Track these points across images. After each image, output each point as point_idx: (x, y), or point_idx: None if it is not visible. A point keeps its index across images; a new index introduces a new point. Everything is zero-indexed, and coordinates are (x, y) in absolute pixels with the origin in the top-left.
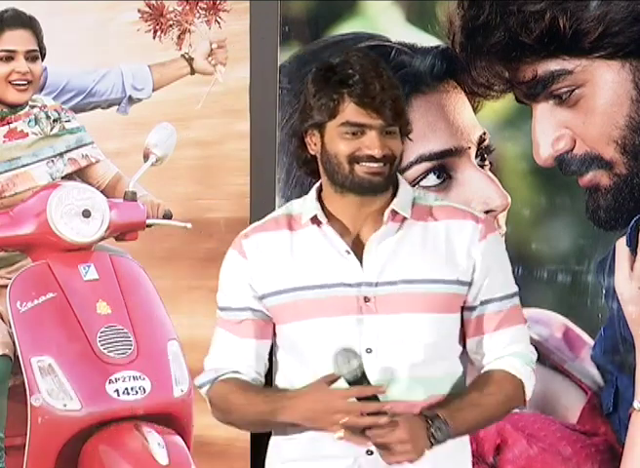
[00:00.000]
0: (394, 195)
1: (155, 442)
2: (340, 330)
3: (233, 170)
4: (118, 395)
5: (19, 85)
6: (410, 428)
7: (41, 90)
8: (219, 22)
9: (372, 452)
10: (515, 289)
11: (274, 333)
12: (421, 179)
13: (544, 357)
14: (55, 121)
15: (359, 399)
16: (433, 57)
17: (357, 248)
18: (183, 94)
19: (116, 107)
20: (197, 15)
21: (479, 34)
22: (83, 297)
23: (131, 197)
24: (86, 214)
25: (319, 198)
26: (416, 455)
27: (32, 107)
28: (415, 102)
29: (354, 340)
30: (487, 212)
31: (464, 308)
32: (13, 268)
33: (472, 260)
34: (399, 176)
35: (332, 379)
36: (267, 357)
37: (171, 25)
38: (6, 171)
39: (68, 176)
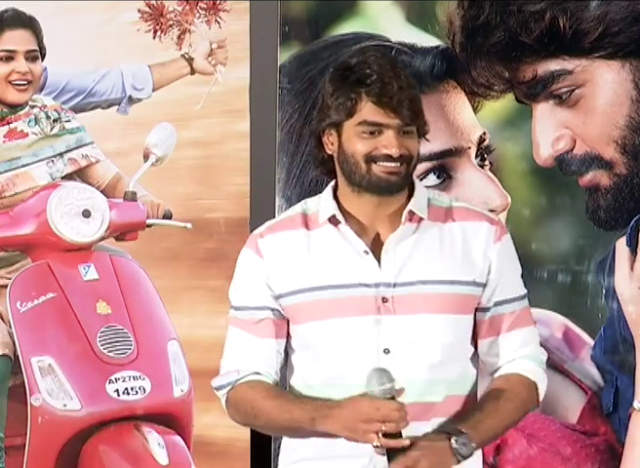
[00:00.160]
0: (410, 195)
1: (155, 442)
2: (357, 330)
3: (233, 170)
4: (118, 395)
5: (19, 85)
6: (433, 454)
7: (41, 90)
8: (219, 22)
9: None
10: (525, 290)
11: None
12: (421, 179)
13: None
14: (55, 121)
15: None
16: (433, 57)
17: (375, 248)
18: (183, 94)
19: (116, 107)
20: (197, 15)
21: (479, 34)
22: (83, 297)
23: (131, 197)
24: (86, 214)
25: (335, 197)
26: None
27: (32, 107)
28: None
29: (372, 341)
30: None
31: (478, 309)
32: (13, 268)
33: (488, 262)
34: (414, 177)
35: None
36: (284, 356)
37: (171, 25)
38: (6, 171)
39: (68, 176)
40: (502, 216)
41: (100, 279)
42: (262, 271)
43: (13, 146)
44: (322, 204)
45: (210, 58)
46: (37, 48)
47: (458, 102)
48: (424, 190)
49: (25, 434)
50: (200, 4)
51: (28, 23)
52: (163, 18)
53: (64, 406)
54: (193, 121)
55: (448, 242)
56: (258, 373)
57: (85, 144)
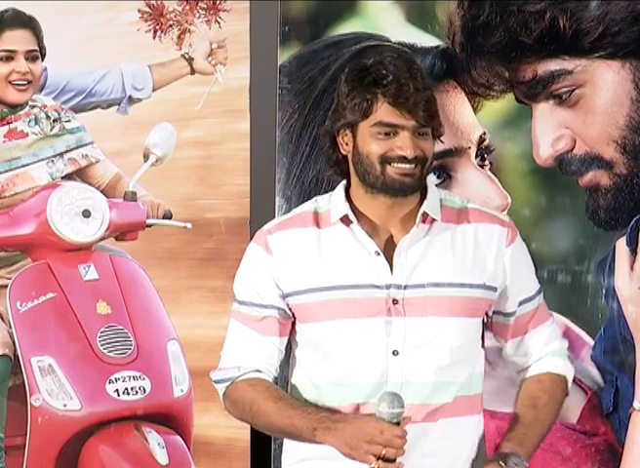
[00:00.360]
0: (423, 196)
1: (155, 442)
2: (367, 331)
3: (233, 170)
4: (118, 395)
5: (19, 85)
6: None
7: (41, 90)
8: (219, 22)
9: None
10: (539, 284)
11: (292, 330)
12: None
13: None
14: (55, 121)
15: None
16: (433, 57)
17: (386, 249)
18: (183, 94)
19: (116, 107)
20: (197, 15)
21: (479, 34)
22: (83, 297)
23: (131, 197)
24: (86, 214)
25: (347, 197)
26: None
27: (32, 107)
28: None
29: (381, 342)
30: None
31: (501, 314)
32: (13, 268)
33: (501, 265)
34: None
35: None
36: (285, 353)
37: (171, 25)
38: (6, 171)
39: (68, 176)
40: None
41: (101, 279)
42: (271, 268)
43: (13, 146)
44: (334, 203)
45: (210, 58)
46: (37, 48)
47: (458, 102)
48: (437, 191)
49: (25, 434)
50: (200, 4)
51: (28, 23)
52: (163, 18)
53: (64, 406)
54: (193, 121)
55: (459, 244)
56: (258, 371)
57: (85, 144)
